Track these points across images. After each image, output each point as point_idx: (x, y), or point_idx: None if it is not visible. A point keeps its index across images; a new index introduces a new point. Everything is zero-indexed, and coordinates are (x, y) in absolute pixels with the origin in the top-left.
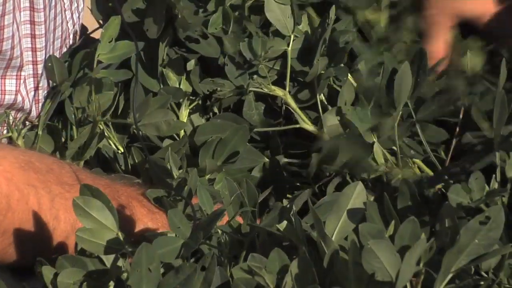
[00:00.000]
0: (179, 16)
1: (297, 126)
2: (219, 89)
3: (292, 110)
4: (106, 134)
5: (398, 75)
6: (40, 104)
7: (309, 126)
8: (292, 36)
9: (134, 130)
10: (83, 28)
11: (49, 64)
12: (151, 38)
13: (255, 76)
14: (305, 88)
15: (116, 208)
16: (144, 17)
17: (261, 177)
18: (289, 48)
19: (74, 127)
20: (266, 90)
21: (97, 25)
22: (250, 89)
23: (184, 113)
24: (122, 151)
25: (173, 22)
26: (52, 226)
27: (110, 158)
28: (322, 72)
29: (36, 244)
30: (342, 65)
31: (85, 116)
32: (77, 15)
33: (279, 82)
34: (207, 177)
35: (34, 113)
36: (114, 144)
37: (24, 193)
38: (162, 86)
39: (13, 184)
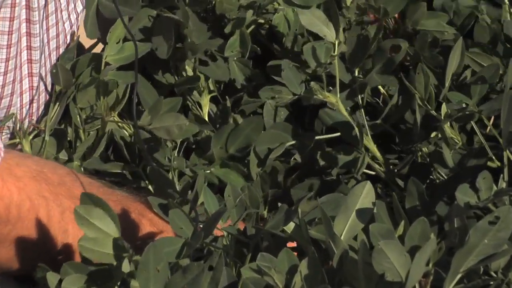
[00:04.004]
0: (188, 40)
1: (337, 134)
2: (277, 96)
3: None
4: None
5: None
6: (35, 117)
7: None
8: (336, 42)
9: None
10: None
11: (54, 71)
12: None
13: (312, 83)
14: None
15: (125, 226)
16: (151, 35)
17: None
18: (336, 54)
19: (80, 129)
20: (320, 97)
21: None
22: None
23: (206, 99)
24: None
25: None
26: (61, 239)
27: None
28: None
29: (43, 255)
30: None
31: (90, 115)
32: (74, 16)
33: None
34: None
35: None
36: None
37: (35, 203)
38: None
39: (25, 193)
